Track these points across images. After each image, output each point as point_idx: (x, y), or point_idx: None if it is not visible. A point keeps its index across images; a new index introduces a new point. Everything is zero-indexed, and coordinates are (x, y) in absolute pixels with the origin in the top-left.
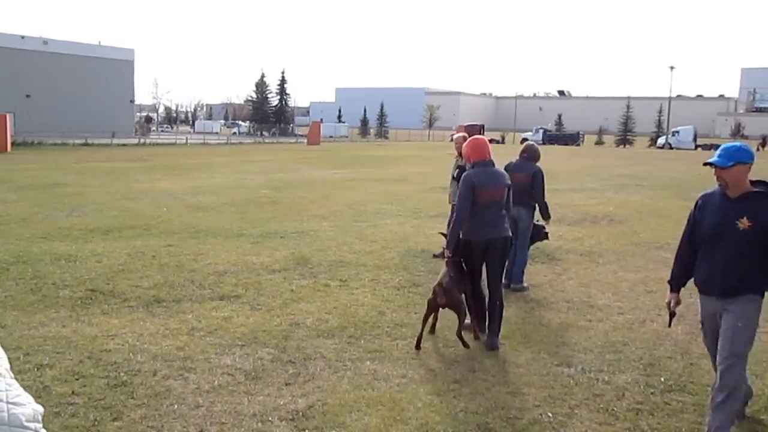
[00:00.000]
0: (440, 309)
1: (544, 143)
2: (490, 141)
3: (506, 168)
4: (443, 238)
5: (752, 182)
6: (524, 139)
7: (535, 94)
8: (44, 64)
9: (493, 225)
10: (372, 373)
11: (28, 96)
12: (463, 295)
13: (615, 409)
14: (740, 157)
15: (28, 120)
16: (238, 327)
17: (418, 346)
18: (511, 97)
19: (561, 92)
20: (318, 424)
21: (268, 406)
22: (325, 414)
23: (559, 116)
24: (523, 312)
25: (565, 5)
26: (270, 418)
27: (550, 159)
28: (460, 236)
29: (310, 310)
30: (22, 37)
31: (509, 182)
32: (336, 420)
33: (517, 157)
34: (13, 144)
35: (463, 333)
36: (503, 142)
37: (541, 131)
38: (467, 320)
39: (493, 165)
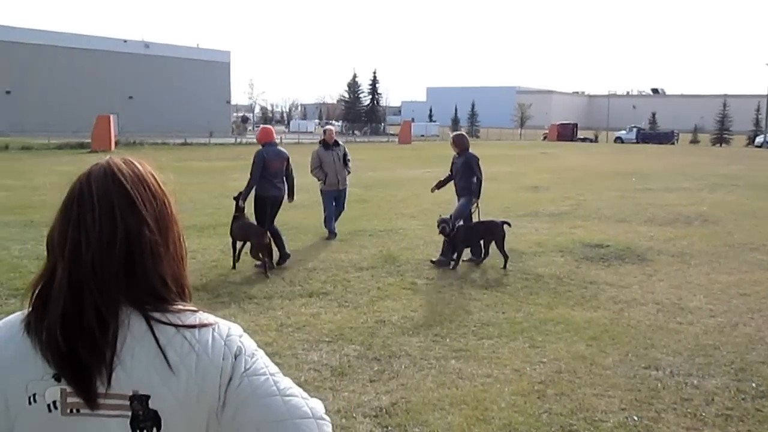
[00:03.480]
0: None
1: (637, 142)
2: (583, 140)
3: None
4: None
5: None
6: (618, 138)
7: (628, 93)
8: (145, 66)
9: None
10: (456, 372)
11: (130, 98)
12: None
13: (703, 414)
14: None
15: (130, 120)
16: (325, 323)
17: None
18: (604, 95)
19: (655, 90)
20: (401, 421)
21: (353, 403)
22: (408, 411)
23: (653, 115)
24: (611, 313)
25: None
26: (354, 415)
27: (644, 158)
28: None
29: (396, 308)
30: (125, 41)
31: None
32: (419, 418)
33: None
34: (116, 144)
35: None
36: (596, 140)
37: (634, 130)
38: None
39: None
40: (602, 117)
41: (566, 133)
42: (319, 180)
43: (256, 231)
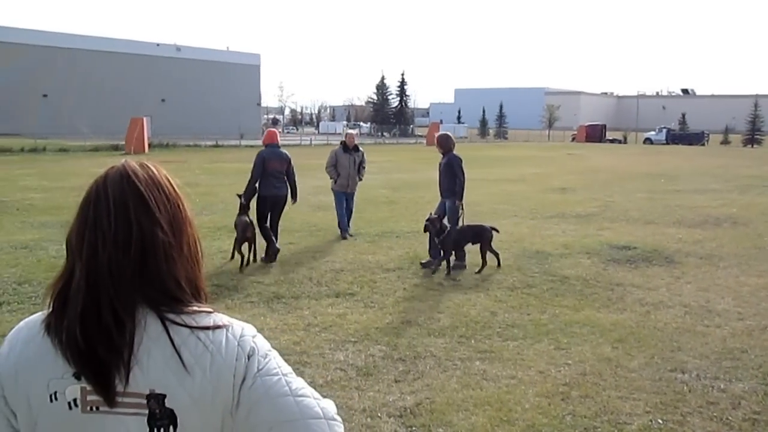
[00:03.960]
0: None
1: (667, 143)
2: (611, 141)
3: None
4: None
5: None
6: (647, 139)
7: (658, 93)
8: (177, 69)
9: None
10: (481, 373)
11: (163, 100)
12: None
13: (730, 418)
14: None
15: (163, 123)
16: (351, 324)
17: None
18: (633, 96)
19: (685, 91)
20: (425, 421)
21: (378, 402)
22: (432, 412)
23: (683, 115)
24: (638, 315)
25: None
26: (379, 414)
27: (673, 159)
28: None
29: (422, 309)
30: (158, 45)
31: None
32: (443, 418)
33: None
34: (149, 146)
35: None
36: (625, 141)
37: (664, 131)
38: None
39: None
40: (631, 118)
41: (595, 134)
42: (331, 178)
43: (242, 225)
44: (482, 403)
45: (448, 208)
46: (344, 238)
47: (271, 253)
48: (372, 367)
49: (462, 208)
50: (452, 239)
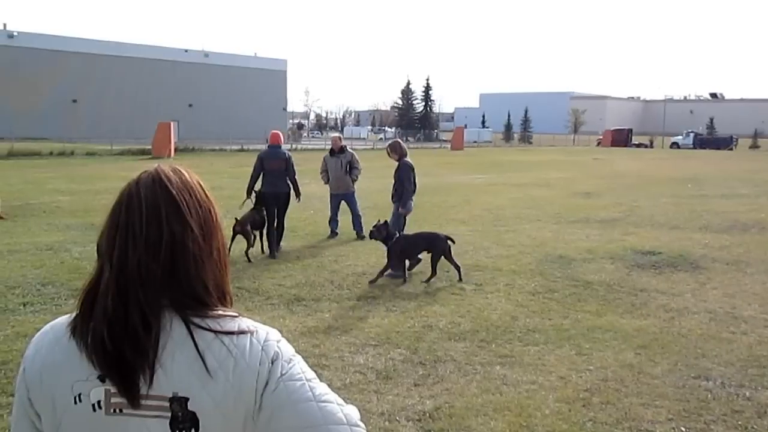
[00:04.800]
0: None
1: (694, 147)
2: (638, 145)
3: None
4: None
5: None
6: (674, 144)
7: (685, 97)
8: (205, 75)
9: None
10: (501, 378)
11: (190, 105)
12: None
13: (755, 427)
14: None
15: (190, 127)
16: (372, 327)
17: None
18: (660, 100)
19: (713, 95)
20: (444, 426)
21: (397, 406)
22: (451, 416)
23: (711, 120)
24: (661, 321)
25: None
26: (397, 418)
27: (700, 164)
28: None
29: (444, 313)
30: (186, 51)
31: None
32: (462, 423)
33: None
34: (176, 150)
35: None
36: (651, 146)
37: (691, 135)
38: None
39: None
40: (658, 122)
41: (621, 138)
42: (324, 183)
43: (241, 220)
44: (502, 408)
45: (392, 214)
46: (333, 235)
47: (271, 254)
48: (392, 370)
49: (404, 216)
50: (399, 247)
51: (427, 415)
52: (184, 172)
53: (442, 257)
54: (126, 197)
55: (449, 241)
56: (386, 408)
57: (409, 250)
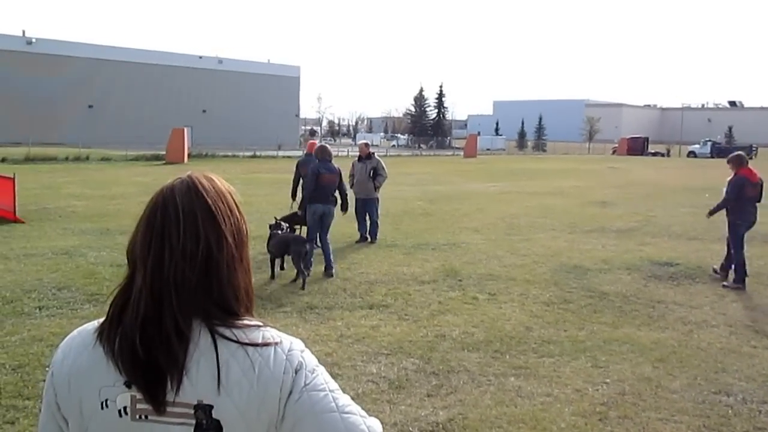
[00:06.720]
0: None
1: (712, 156)
2: (654, 154)
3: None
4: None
5: None
6: (691, 153)
7: (703, 105)
8: (219, 81)
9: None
10: (515, 390)
11: (204, 111)
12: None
13: None
14: None
15: (203, 133)
16: (385, 336)
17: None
18: (678, 108)
19: (732, 103)
20: None
21: (409, 416)
22: (464, 428)
23: (730, 128)
24: (680, 334)
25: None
26: (410, 429)
27: (718, 173)
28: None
29: (457, 323)
30: (200, 57)
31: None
32: None
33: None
34: (189, 155)
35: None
36: (668, 155)
37: (708, 144)
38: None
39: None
40: (675, 130)
41: (636, 147)
42: (349, 187)
43: (284, 217)
44: (516, 421)
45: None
46: (362, 240)
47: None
48: (404, 380)
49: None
50: (272, 245)
51: (441, 426)
52: (215, 179)
53: None
54: (161, 204)
55: (306, 245)
56: (399, 418)
57: (276, 248)
